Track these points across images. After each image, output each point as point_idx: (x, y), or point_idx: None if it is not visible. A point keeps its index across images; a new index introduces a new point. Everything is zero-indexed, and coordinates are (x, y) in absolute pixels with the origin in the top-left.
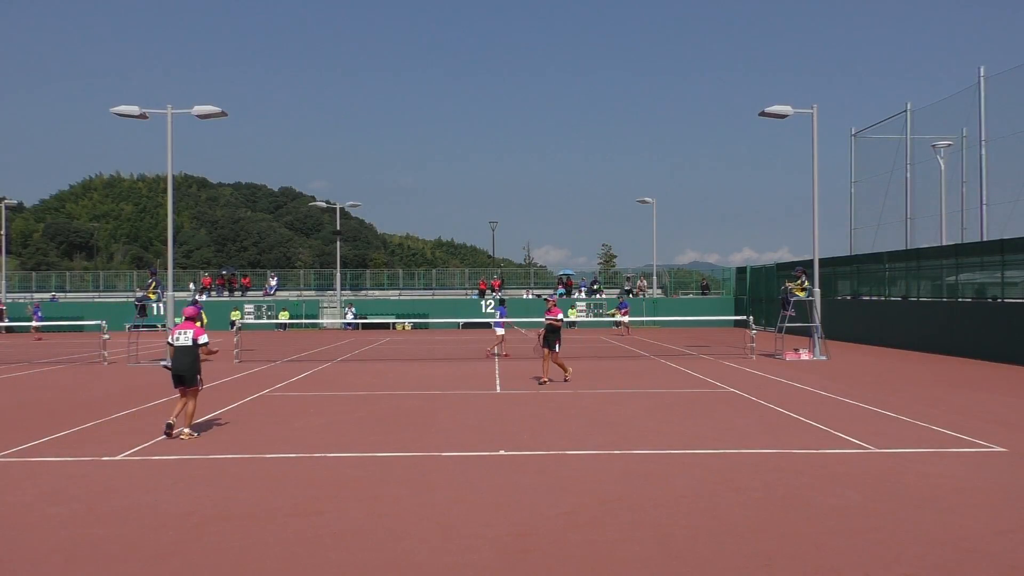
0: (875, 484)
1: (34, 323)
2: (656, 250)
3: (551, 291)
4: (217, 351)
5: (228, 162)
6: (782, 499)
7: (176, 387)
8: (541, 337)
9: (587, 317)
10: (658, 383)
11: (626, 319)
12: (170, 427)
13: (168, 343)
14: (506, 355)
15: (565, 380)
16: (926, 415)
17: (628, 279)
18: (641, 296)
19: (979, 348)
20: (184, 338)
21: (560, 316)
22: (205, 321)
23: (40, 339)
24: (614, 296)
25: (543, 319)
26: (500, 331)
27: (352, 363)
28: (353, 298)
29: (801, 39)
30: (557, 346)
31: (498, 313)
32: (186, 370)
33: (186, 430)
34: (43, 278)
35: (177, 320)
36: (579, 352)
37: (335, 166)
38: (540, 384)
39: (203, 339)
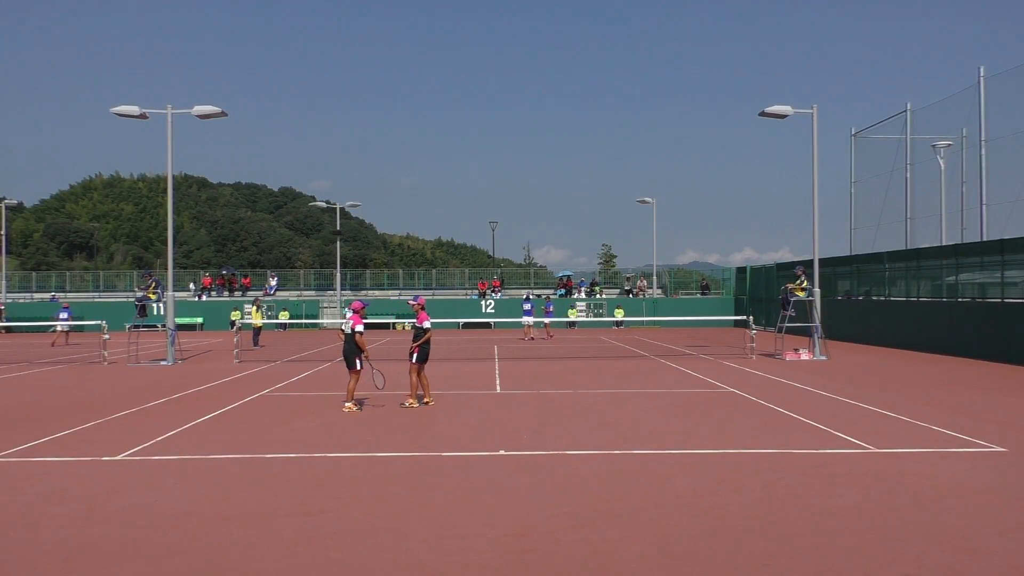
0: (875, 484)
1: (58, 324)
2: (656, 250)
3: (413, 295)
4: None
5: (228, 162)
6: (782, 499)
7: (349, 369)
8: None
9: (587, 317)
10: (658, 383)
11: (530, 321)
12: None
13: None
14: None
15: (408, 405)
16: (926, 415)
17: (628, 279)
18: (641, 296)
19: (979, 348)
20: (347, 327)
21: (427, 324)
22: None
23: (65, 344)
24: (614, 296)
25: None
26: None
27: None
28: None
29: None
30: (419, 357)
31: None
32: (347, 353)
33: (347, 404)
34: (43, 278)
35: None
36: (579, 352)
37: (335, 166)
38: (401, 406)
39: (358, 328)
